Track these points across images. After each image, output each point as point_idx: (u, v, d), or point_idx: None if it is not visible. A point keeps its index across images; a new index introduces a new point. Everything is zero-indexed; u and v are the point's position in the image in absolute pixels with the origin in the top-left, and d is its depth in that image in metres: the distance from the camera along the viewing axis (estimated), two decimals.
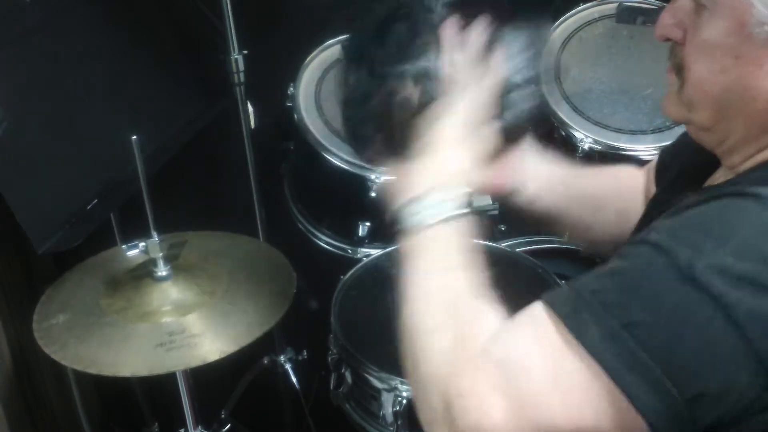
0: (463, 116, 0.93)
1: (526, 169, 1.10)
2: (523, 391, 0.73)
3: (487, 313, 0.81)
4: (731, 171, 0.87)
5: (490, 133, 0.95)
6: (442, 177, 0.90)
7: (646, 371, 0.70)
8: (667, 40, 0.86)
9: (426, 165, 0.92)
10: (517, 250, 1.63)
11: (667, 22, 0.84)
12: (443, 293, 0.84)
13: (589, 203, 1.16)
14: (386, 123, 0.96)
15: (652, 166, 1.15)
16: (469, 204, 0.90)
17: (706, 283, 0.69)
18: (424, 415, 0.81)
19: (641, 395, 0.70)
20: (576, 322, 0.73)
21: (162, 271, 1.40)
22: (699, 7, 0.80)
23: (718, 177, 0.91)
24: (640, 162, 1.65)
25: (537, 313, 0.77)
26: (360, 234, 1.80)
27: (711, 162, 0.92)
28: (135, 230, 1.43)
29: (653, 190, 1.11)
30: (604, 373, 0.71)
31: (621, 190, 1.17)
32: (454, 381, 0.76)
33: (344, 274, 1.57)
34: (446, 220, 0.88)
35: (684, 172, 0.99)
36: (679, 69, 0.84)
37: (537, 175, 1.11)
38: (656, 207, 0.99)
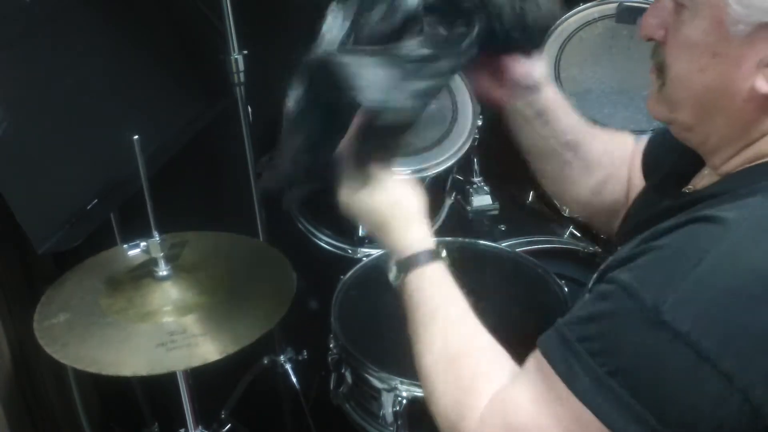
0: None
1: (556, 94, 1.12)
2: None
3: (486, 366, 0.86)
4: (715, 172, 0.88)
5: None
6: (419, 223, 0.97)
7: (635, 415, 0.72)
8: (651, 39, 0.86)
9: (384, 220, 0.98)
10: (517, 250, 1.63)
11: (649, 21, 0.85)
12: (442, 347, 0.89)
13: (582, 162, 1.15)
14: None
15: (639, 150, 1.15)
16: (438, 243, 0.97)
17: (672, 323, 0.70)
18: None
19: None
20: (568, 372, 0.76)
21: (163, 270, 1.40)
22: (679, 7, 0.80)
23: (702, 179, 0.92)
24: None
25: (533, 367, 0.81)
26: (360, 234, 1.80)
27: (696, 163, 0.93)
28: (135, 230, 1.43)
29: (637, 177, 1.11)
30: (598, 420, 0.73)
31: (610, 160, 1.17)
32: None
33: (344, 274, 1.57)
34: (418, 271, 0.94)
35: (671, 174, 0.99)
36: (661, 68, 0.85)
37: (561, 106, 1.12)
38: (644, 208, 1.00)
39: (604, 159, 1.16)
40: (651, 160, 1.11)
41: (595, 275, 0.91)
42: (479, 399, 0.82)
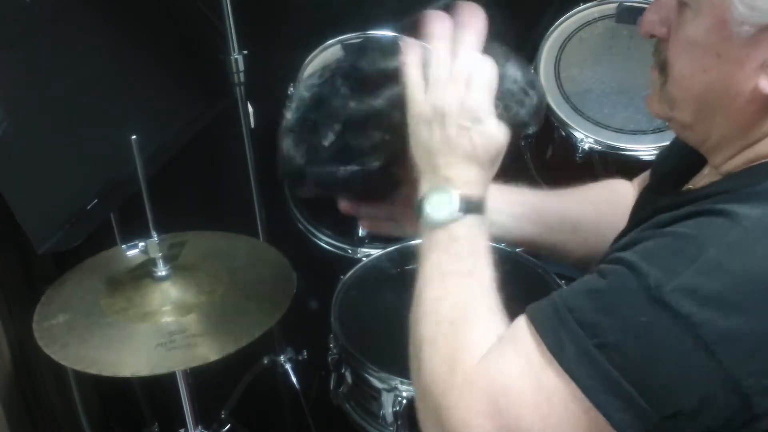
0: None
1: (497, 200, 1.05)
2: (509, 414, 0.75)
3: (485, 329, 0.82)
4: (715, 171, 0.87)
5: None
6: (471, 164, 0.87)
7: (620, 391, 0.71)
8: (652, 36, 0.86)
9: (454, 155, 0.87)
10: (517, 250, 1.63)
11: (651, 18, 0.85)
12: (451, 304, 0.84)
13: (567, 228, 1.15)
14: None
15: (646, 175, 1.15)
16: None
17: (675, 305, 0.70)
18: (422, 419, 0.84)
19: (617, 414, 0.71)
20: (556, 342, 0.74)
21: (162, 271, 1.40)
22: (682, 5, 0.80)
23: (702, 178, 0.92)
24: (640, 162, 1.65)
25: (521, 331, 0.78)
26: (360, 234, 1.80)
27: (696, 163, 0.93)
28: (135, 230, 1.43)
29: None
30: (582, 393, 0.72)
31: (602, 210, 1.16)
32: (445, 406, 0.78)
33: (344, 274, 1.57)
34: (466, 215, 0.86)
35: (672, 172, 0.99)
36: (663, 66, 0.84)
37: (509, 205, 1.11)
38: (640, 208, 1.00)
39: (588, 215, 1.16)
40: (654, 170, 1.11)
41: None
42: (473, 355, 0.80)
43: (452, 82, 0.87)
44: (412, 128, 0.88)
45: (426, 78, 0.88)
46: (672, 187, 0.95)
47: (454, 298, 0.84)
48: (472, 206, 0.86)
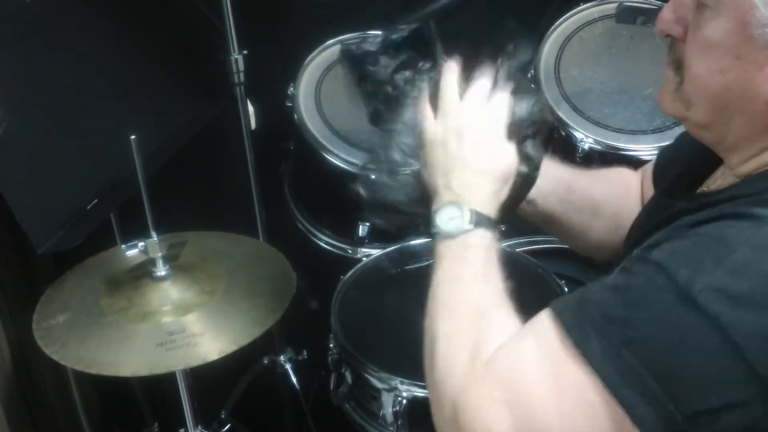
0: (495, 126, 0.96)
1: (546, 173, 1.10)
2: (525, 404, 0.75)
3: (504, 326, 0.83)
4: (731, 173, 0.87)
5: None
6: (485, 182, 0.94)
7: (644, 387, 0.71)
8: (668, 36, 0.85)
9: (469, 168, 0.94)
10: (517, 250, 1.64)
11: (667, 17, 0.84)
12: (467, 302, 0.86)
13: (588, 209, 1.15)
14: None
15: (649, 167, 1.15)
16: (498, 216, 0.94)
17: (704, 303, 0.70)
18: (435, 417, 0.83)
19: (639, 410, 0.71)
20: (579, 335, 0.74)
21: (161, 271, 1.40)
22: (701, 5, 0.79)
23: (716, 180, 0.91)
24: (640, 162, 1.65)
25: (543, 324, 0.78)
26: (360, 234, 1.80)
27: (709, 164, 0.92)
28: (135, 230, 1.43)
29: (650, 193, 1.11)
30: (604, 386, 0.72)
31: (615, 196, 1.17)
32: (462, 393, 0.78)
33: (344, 274, 1.57)
34: (477, 229, 0.90)
35: (682, 176, 0.99)
36: (678, 65, 0.84)
37: (543, 175, 1.10)
38: (656, 211, 0.99)
39: (608, 198, 1.16)
40: (660, 171, 1.10)
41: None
42: (494, 346, 0.80)
43: (465, 106, 0.95)
44: (426, 149, 0.96)
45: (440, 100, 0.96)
46: (685, 190, 0.94)
47: (468, 298, 0.86)
48: (483, 221, 0.90)
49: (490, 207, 0.93)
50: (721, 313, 0.69)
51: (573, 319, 0.76)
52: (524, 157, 0.98)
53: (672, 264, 0.73)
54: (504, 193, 0.96)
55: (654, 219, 0.94)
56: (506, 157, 0.95)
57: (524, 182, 1.01)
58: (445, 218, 0.91)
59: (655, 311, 0.72)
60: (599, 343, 0.73)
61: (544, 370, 0.75)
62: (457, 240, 0.90)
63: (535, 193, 1.09)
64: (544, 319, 0.79)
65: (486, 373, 0.78)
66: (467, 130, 0.94)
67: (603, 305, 0.75)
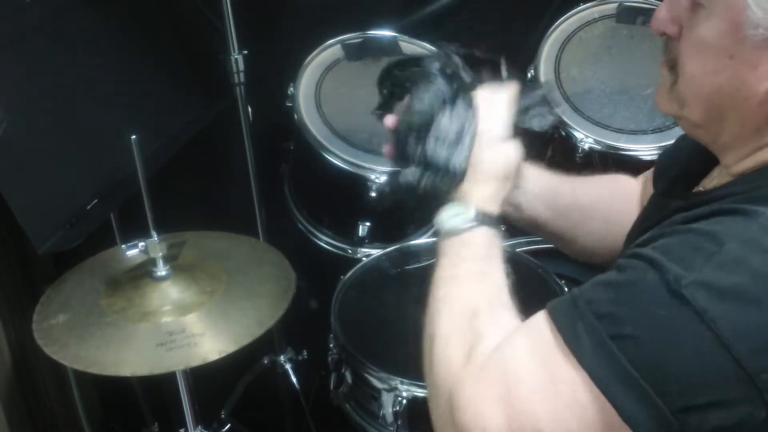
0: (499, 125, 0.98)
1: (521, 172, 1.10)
2: (518, 401, 0.75)
3: (499, 325, 0.83)
4: (727, 172, 0.87)
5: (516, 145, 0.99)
6: (487, 182, 0.95)
7: (633, 383, 0.71)
8: (663, 35, 0.86)
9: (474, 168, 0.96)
10: (517, 250, 1.63)
11: (663, 16, 0.84)
12: (463, 301, 0.87)
13: (577, 215, 1.16)
14: None
15: (650, 172, 1.15)
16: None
17: (692, 299, 0.70)
18: (434, 415, 0.85)
19: (628, 406, 0.71)
20: (571, 332, 0.75)
21: (162, 271, 1.40)
22: (695, 5, 0.80)
23: (712, 179, 0.92)
24: (640, 162, 1.65)
25: (537, 322, 0.79)
26: (360, 234, 1.80)
27: (706, 164, 0.93)
28: (135, 230, 1.43)
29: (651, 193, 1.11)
30: (594, 383, 0.72)
31: (613, 200, 1.17)
32: (457, 391, 0.79)
33: (344, 274, 1.57)
34: (479, 226, 0.92)
35: (680, 175, 0.99)
36: (673, 65, 0.84)
37: (529, 180, 1.11)
38: (652, 211, 1.00)
39: (601, 201, 1.17)
40: (659, 173, 1.11)
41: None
42: (487, 348, 0.81)
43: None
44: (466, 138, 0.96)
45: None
46: (682, 190, 0.95)
47: (466, 296, 0.87)
48: (486, 219, 0.92)
49: (494, 204, 0.95)
50: (709, 308, 0.69)
51: (565, 317, 0.76)
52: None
53: (663, 260, 0.73)
54: (506, 189, 0.98)
55: (650, 219, 0.94)
56: (509, 156, 0.97)
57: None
58: (448, 215, 0.93)
59: (645, 307, 0.72)
60: (589, 339, 0.73)
61: (536, 367, 0.76)
62: (458, 238, 0.92)
63: (521, 197, 1.10)
64: (539, 317, 0.80)
65: (481, 371, 0.79)
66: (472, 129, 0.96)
67: (594, 302, 0.75)
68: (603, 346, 0.72)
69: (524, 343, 0.78)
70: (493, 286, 0.88)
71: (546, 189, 1.13)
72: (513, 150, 0.98)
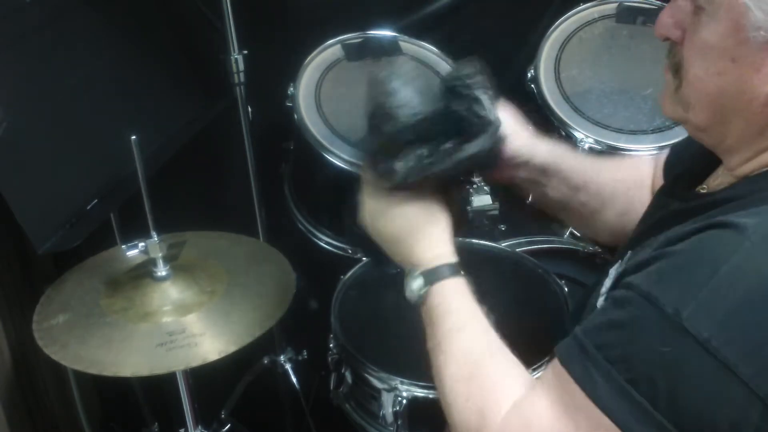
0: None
1: (555, 156, 1.12)
2: None
3: (507, 377, 0.87)
4: (730, 173, 0.87)
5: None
6: (422, 236, 0.98)
7: (654, 422, 0.72)
8: (666, 39, 0.86)
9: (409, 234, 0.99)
10: (517, 250, 1.63)
11: (666, 21, 0.85)
12: (455, 362, 0.90)
13: (597, 197, 1.16)
14: None
15: (662, 158, 1.15)
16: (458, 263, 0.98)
17: (693, 330, 0.71)
18: None
19: None
20: (587, 380, 0.76)
21: (162, 271, 1.40)
22: (698, 9, 0.80)
23: (715, 180, 0.92)
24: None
25: (551, 375, 0.81)
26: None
27: (711, 163, 0.93)
28: (135, 230, 1.43)
29: (660, 183, 1.12)
30: (617, 428, 0.74)
31: (626, 186, 1.18)
32: None
33: (344, 274, 1.57)
34: (432, 285, 0.95)
35: (682, 175, 0.99)
36: (677, 69, 0.85)
37: (558, 156, 1.12)
38: (653, 211, 1.00)
39: (618, 186, 1.17)
40: (669, 166, 1.11)
41: (608, 281, 0.92)
42: (500, 407, 0.83)
43: (366, 192, 1.03)
44: (370, 229, 1.02)
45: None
46: (686, 188, 0.95)
47: (456, 356, 0.90)
48: (434, 276, 0.95)
49: (442, 252, 0.97)
50: (711, 337, 0.70)
51: (578, 365, 0.77)
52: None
53: (659, 293, 0.74)
54: (447, 223, 1.00)
55: (650, 219, 0.95)
56: (428, 204, 1.00)
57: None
58: (407, 291, 0.97)
59: (652, 346, 0.73)
60: (607, 386, 0.74)
61: (560, 420, 0.78)
62: (424, 306, 0.96)
63: (545, 180, 1.12)
64: (552, 368, 0.81)
65: (502, 430, 0.81)
66: (380, 207, 1.00)
67: (601, 346, 0.76)
68: (620, 390, 0.74)
69: (543, 399, 0.80)
70: (474, 335, 0.91)
71: (572, 171, 1.15)
72: (429, 195, 1.00)
